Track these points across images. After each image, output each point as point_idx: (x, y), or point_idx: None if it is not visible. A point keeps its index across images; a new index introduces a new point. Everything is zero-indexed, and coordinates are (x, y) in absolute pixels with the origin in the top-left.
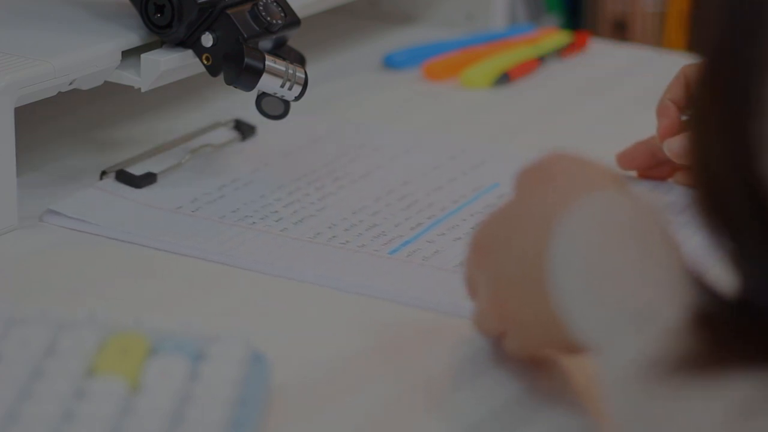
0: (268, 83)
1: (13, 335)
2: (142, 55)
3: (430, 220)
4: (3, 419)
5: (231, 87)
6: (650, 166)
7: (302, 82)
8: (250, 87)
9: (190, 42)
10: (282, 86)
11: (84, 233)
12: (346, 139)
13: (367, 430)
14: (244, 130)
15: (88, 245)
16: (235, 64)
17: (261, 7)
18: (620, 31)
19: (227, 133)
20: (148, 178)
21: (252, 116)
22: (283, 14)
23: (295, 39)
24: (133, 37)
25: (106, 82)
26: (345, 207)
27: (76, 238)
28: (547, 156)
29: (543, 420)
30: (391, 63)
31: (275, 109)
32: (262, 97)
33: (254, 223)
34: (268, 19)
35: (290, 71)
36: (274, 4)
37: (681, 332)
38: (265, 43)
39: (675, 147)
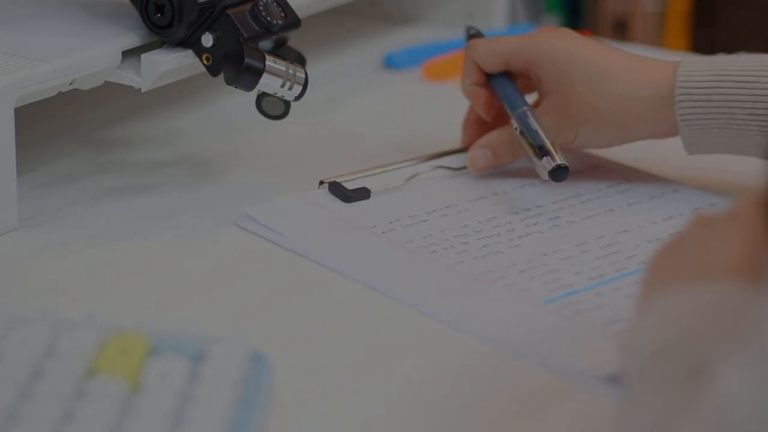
0: (268, 83)
1: (13, 335)
2: (142, 55)
3: (618, 273)
4: (3, 419)
5: (231, 87)
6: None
7: (302, 82)
8: (250, 87)
9: (190, 42)
10: (282, 86)
11: (83, 232)
12: (598, 176)
13: (366, 430)
14: None
15: (88, 245)
16: (235, 64)
17: (261, 7)
18: (620, 31)
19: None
20: (361, 194)
21: None
22: (283, 14)
23: (295, 39)
24: (133, 37)
25: (106, 82)
26: (539, 248)
27: (75, 237)
28: (733, 211)
29: None
30: (391, 63)
31: (275, 109)
32: (262, 97)
33: (434, 252)
34: (268, 19)
35: (290, 71)
36: (274, 4)
37: None
38: (266, 43)
39: (477, 159)
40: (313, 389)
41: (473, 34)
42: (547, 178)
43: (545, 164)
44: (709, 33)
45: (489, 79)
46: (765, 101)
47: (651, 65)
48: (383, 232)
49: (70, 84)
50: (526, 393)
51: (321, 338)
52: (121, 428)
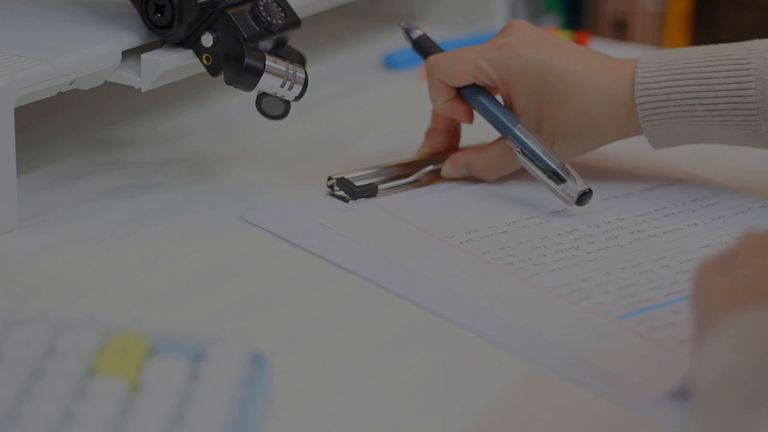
0: (268, 83)
1: (13, 335)
2: (142, 55)
3: None
4: (3, 419)
5: (231, 87)
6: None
7: (302, 82)
8: (250, 87)
9: (190, 42)
10: (282, 86)
11: (81, 231)
12: (683, 190)
13: (367, 430)
14: None
15: (88, 245)
16: (235, 64)
17: (261, 7)
18: (620, 31)
19: None
20: (368, 190)
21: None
22: (283, 14)
23: (295, 39)
24: (133, 37)
25: (106, 82)
26: (618, 261)
27: (75, 237)
28: None
29: None
30: (391, 63)
31: (275, 109)
32: (262, 97)
33: (510, 263)
34: (269, 19)
35: (290, 71)
36: (275, 4)
37: None
38: (266, 43)
39: (453, 173)
40: (313, 389)
41: (417, 38)
42: (573, 204)
43: (569, 191)
44: (709, 33)
45: (459, 91)
46: (724, 96)
47: (613, 69)
48: (460, 243)
49: (70, 84)
50: (527, 393)
51: (321, 338)
52: (121, 428)
